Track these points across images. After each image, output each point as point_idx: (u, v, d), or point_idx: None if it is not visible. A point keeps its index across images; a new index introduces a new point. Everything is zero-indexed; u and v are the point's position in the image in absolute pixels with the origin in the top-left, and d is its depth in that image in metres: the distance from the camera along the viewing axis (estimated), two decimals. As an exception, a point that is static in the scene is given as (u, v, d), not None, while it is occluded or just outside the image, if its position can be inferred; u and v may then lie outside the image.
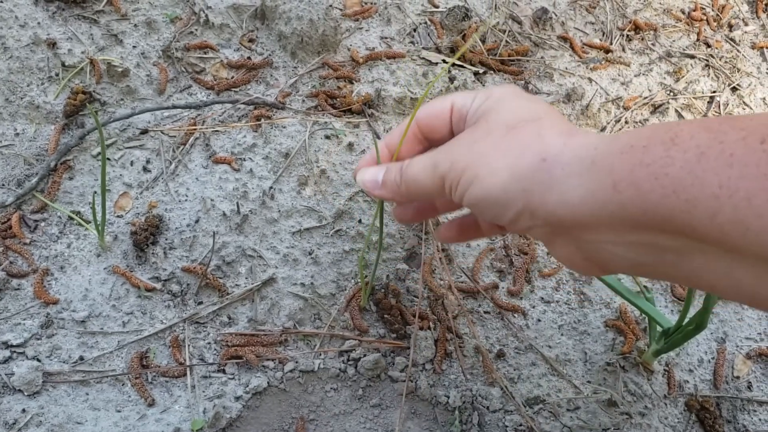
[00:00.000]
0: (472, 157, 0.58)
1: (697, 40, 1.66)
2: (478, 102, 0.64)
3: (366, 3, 1.49)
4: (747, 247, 0.43)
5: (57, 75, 1.25)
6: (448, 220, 0.86)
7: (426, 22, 1.50)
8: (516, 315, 1.15)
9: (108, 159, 1.18)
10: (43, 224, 1.12)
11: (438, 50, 1.45)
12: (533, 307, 1.17)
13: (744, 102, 1.55)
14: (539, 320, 1.15)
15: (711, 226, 0.44)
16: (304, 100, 1.31)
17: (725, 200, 0.43)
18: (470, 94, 0.66)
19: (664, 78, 1.56)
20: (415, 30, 1.48)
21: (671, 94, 1.53)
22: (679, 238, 0.48)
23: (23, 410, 0.91)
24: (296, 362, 1.03)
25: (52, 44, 1.26)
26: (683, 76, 1.56)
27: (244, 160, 1.19)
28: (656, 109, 1.49)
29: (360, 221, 1.17)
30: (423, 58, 1.41)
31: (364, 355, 1.04)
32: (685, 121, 0.48)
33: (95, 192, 1.14)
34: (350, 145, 1.23)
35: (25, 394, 0.94)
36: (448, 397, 1.02)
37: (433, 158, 0.62)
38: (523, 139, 0.56)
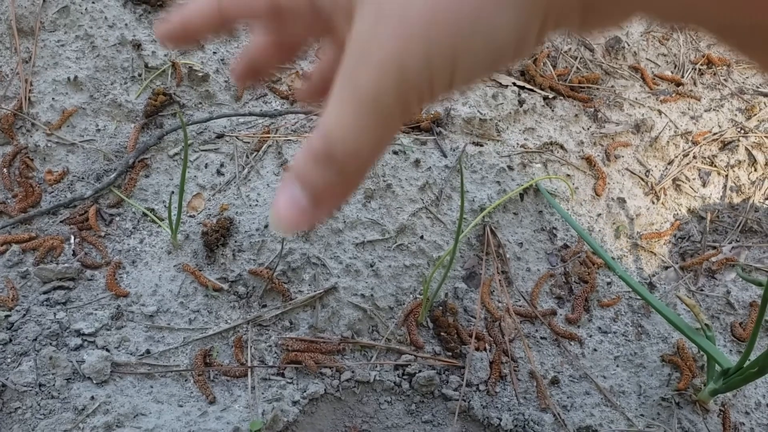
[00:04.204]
0: (425, 44, 0.34)
1: (771, 78, 1.64)
2: None
3: (440, 22, 1.51)
4: None
5: (140, 75, 1.29)
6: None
7: (498, 45, 1.51)
8: (572, 343, 1.15)
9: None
10: (118, 219, 1.17)
11: (508, 73, 1.46)
12: (590, 336, 1.17)
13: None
14: (595, 350, 1.15)
15: None
16: (374, 115, 1.33)
17: None
18: None
19: (735, 115, 1.54)
20: (486, 52, 1.49)
21: (742, 131, 1.51)
22: None
23: (92, 397, 0.95)
24: (353, 372, 1.05)
25: (137, 45, 1.30)
26: (755, 114, 1.54)
27: (314, 169, 1.21)
28: (726, 145, 1.48)
29: (422, 237, 1.18)
30: (493, 80, 1.42)
31: (419, 371, 1.06)
32: None
33: (172, 192, 1.18)
34: (417, 162, 1.25)
35: (94, 382, 0.97)
36: (501, 420, 1.02)
37: (394, 61, 0.35)
38: None
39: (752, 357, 0.98)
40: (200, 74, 1.29)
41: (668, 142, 1.44)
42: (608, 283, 1.23)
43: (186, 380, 1.02)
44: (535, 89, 1.44)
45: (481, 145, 1.32)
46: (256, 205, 1.18)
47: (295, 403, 1.00)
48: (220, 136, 1.26)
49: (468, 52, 0.36)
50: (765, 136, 1.51)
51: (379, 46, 0.35)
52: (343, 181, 0.37)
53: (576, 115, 1.43)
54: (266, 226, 1.14)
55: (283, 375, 1.04)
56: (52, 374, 0.97)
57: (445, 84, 0.36)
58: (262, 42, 0.48)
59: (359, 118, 0.36)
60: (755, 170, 1.47)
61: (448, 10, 0.34)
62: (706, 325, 1.12)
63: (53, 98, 1.24)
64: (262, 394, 1.01)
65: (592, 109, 1.46)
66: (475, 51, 0.36)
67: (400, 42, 0.34)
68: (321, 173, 0.37)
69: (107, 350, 1.02)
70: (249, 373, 1.02)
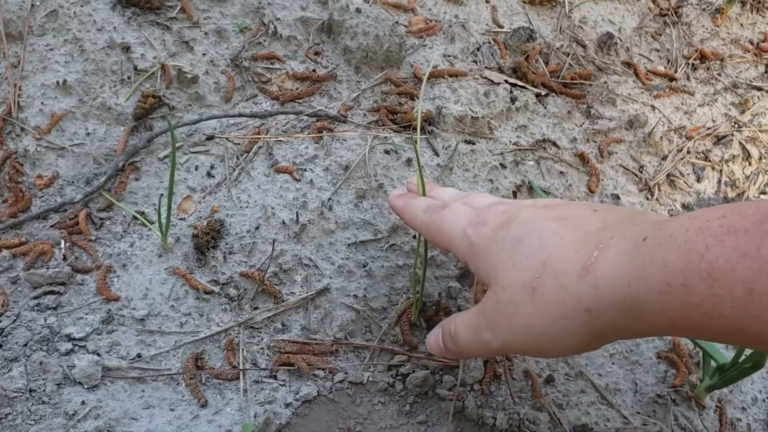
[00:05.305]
0: (521, 336, 0.66)
1: (766, 72, 1.63)
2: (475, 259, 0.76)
3: (431, 21, 1.51)
4: None
5: (129, 78, 1.29)
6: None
7: (489, 42, 1.51)
8: (567, 340, 1.15)
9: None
10: (108, 222, 1.16)
11: (500, 70, 1.46)
12: (585, 334, 1.16)
13: (811, 137, 1.52)
14: (590, 347, 1.14)
15: None
16: (365, 114, 1.33)
17: None
18: (466, 237, 0.78)
19: (729, 109, 1.54)
20: (478, 49, 1.49)
21: (736, 125, 1.50)
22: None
23: (83, 402, 0.94)
24: (346, 373, 1.04)
25: (126, 48, 1.30)
26: (749, 108, 1.54)
27: (305, 170, 1.21)
28: (720, 140, 1.47)
29: (414, 237, 1.18)
30: (485, 78, 1.42)
31: (413, 371, 1.05)
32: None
33: (162, 194, 1.17)
34: (409, 161, 1.24)
35: (85, 386, 0.97)
36: (495, 419, 1.02)
37: (479, 335, 0.72)
38: (551, 300, 0.62)
39: (747, 352, 0.98)
40: (190, 76, 1.28)
41: (662, 137, 1.44)
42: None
43: (177, 384, 1.01)
44: (527, 86, 1.43)
45: (474, 144, 1.31)
46: (247, 206, 1.17)
47: (287, 405, 0.99)
48: (210, 138, 1.25)
49: (538, 353, 0.66)
50: (759, 131, 1.50)
51: (492, 328, 0.69)
52: (459, 354, 0.79)
53: (569, 112, 1.42)
54: (257, 228, 1.14)
55: (275, 377, 1.03)
56: (43, 379, 0.96)
57: (515, 353, 0.78)
58: None
59: (471, 343, 0.75)
60: (749, 164, 1.47)
61: (538, 332, 0.64)
62: (701, 320, 1.11)
63: (42, 102, 1.23)
64: (255, 396, 1.00)
65: (585, 106, 1.45)
66: (544, 352, 0.66)
67: (500, 334, 0.69)
68: (450, 347, 0.81)
69: (98, 355, 1.01)
70: (241, 376, 1.02)
